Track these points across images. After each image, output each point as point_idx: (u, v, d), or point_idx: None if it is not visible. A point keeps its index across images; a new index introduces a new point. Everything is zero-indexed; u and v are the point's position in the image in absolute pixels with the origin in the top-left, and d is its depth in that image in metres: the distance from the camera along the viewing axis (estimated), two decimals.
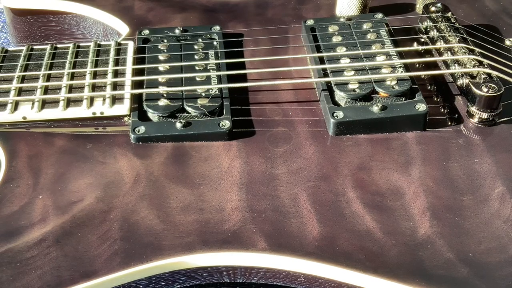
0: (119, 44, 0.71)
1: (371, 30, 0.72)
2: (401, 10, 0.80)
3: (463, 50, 0.68)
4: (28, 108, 0.64)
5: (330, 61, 0.68)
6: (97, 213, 0.56)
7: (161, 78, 0.66)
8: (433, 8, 0.75)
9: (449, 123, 0.65)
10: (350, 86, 0.65)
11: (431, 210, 0.56)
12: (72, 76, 0.67)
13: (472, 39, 0.70)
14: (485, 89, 0.63)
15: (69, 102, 0.64)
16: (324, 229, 0.55)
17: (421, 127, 0.63)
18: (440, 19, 0.73)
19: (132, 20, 0.78)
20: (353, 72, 0.66)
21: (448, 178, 0.59)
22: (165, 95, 0.65)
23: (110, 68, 0.67)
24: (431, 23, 0.73)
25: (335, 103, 0.65)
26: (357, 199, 0.57)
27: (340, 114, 0.63)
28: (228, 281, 0.57)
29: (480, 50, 0.68)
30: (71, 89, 0.65)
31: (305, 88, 0.69)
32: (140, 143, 0.62)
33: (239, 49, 0.73)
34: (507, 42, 0.73)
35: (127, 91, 0.65)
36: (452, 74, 0.69)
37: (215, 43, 0.72)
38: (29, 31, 0.84)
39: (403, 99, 0.65)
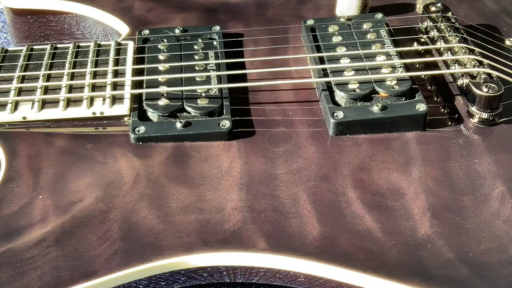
0: (119, 44, 0.71)
1: (371, 30, 0.72)
2: (401, 10, 0.80)
3: (463, 50, 0.68)
4: (28, 108, 0.64)
5: (330, 61, 0.68)
6: (97, 213, 0.56)
7: (161, 78, 0.66)
8: (433, 8, 0.75)
9: (449, 123, 0.65)
10: (350, 86, 0.65)
11: (431, 210, 0.56)
12: (72, 76, 0.67)
13: (472, 39, 0.70)
14: (485, 89, 0.63)
15: (69, 102, 0.64)
16: (324, 229, 0.55)
17: (421, 127, 0.63)
18: (440, 19, 0.73)
19: (132, 20, 0.78)
20: (353, 72, 0.66)
21: (448, 178, 0.59)
22: (165, 95, 0.65)
23: (110, 68, 0.67)
24: (431, 23, 0.73)
25: (335, 103, 0.65)
26: (357, 199, 0.57)
27: (340, 114, 0.63)
28: (228, 281, 0.57)
29: (480, 50, 0.68)
30: (71, 89, 0.65)
31: (305, 88, 0.69)
32: (140, 143, 0.62)
33: (239, 49, 0.73)
34: (507, 42, 0.73)
35: (127, 91, 0.65)
36: (452, 74, 0.69)
37: (215, 43, 0.72)
38: (29, 31, 0.84)
39: (403, 99, 0.65)
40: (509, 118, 0.65)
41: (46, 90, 0.65)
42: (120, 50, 0.70)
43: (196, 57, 0.69)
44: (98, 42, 0.71)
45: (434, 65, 0.71)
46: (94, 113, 0.64)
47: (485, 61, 0.66)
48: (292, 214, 0.56)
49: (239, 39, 0.75)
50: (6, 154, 0.61)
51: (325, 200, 0.57)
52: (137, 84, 0.67)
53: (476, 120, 0.64)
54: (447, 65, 0.69)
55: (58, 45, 0.71)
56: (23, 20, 0.83)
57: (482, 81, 0.64)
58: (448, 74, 0.70)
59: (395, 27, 0.75)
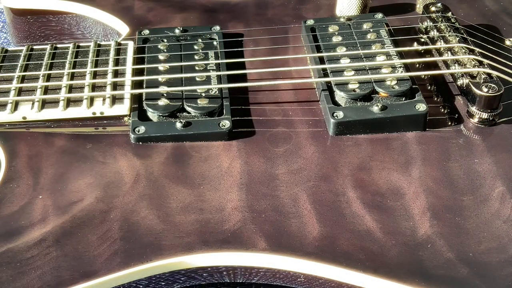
0: (119, 44, 0.71)
1: (371, 30, 0.72)
2: (401, 10, 0.80)
3: (463, 50, 0.68)
4: (28, 108, 0.64)
5: (330, 61, 0.68)
6: (97, 213, 0.56)
7: (161, 78, 0.66)
8: (433, 8, 0.75)
9: (449, 123, 0.65)
10: (350, 86, 0.65)
11: (431, 210, 0.56)
12: (72, 76, 0.67)
13: (472, 39, 0.70)
14: (485, 89, 0.63)
15: (69, 102, 0.64)
16: (324, 229, 0.55)
17: (421, 127, 0.63)
18: (440, 19, 0.73)
19: (132, 20, 0.78)
20: (353, 72, 0.66)
21: (448, 178, 0.59)
22: (165, 95, 0.65)
23: (110, 68, 0.67)
24: (431, 23, 0.73)
25: (335, 103, 0.65)
26: (357, 199, 0.57)
27: (340, 114, 0.63)
28: (228, 281, 0.57)
29: (480, 50, 0.68)
30: (71, 89, 0.65)
31: (305, 88, 0.69)
32: (140, 143, 0.62)
33: (239, 49, 0.73)
34: (507, 42, 0.73)
35: (127, 91, 0.65)
36: (452, 74, 0.69)
37: (215, 43, 0.72)
38: (29, 31, 0.84)
39: (403, 99, 0.65)
40: (509, 118, 0.65)
41: (46, 90, 0.65)
42: (120, 50, 0.70)
43: (196, 57, 0.69)
44: (98, 42, 0.71)
45: (434, 65, 0.71)
46: (94, 113, 0.64)
47: (485, 61, 0.66)
48: (292, 214, 0.56)
49: (239, 39, 0.75)
50: (6, 154, 0.61)
51: (325, 200, 0.57)
52: (137, 84, 0.67)
53: (476, 120, 0.64)
54: (447, 65, 0.69)
55: (58, 45, 0.71)
56: (23, 20, 0.83)
57: (482, 81, 0.64)
58: (448, 74, 0.70)
59: (395, 27, 0.75)
